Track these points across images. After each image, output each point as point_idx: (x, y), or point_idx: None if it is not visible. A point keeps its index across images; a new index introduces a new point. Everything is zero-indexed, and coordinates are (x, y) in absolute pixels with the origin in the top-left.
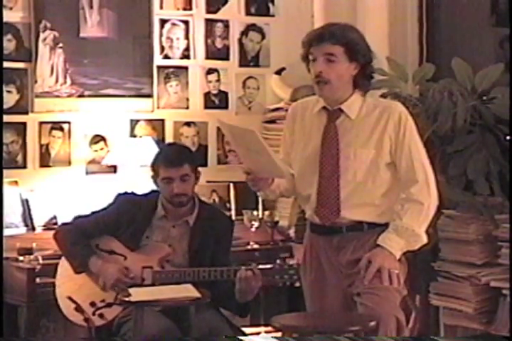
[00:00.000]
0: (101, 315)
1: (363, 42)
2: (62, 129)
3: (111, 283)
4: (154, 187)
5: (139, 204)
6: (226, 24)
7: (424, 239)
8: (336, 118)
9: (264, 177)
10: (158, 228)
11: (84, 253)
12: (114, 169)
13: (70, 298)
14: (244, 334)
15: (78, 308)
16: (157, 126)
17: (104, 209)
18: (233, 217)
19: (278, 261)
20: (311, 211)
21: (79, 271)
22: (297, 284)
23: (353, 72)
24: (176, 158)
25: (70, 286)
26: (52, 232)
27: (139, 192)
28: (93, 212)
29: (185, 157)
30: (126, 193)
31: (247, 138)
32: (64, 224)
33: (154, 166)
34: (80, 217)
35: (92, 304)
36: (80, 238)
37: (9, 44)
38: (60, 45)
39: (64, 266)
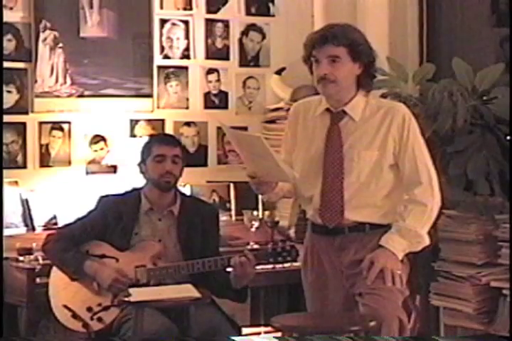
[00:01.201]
0: (99, 319)
1: (365, 42)
2: (62, 129)
3: (108, 284)
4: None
5: (122, 202)
6: (226, 24)
7: (427, 241)
8: (340, 120)
9: (269, 181)
10: (145, 223)
11: (78, 259)
12: (114, 169)
13: (65, 307)
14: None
15: (75, 315)
16: (157, 126)
17: (89, 213)
18: (233, 217)
19: (270, 245)
20: (314, 212)
21: (75, 277)
22: (296, 264)
23: (357, 72)
24: (170, 138)
25: (64, 295)
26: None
27: (121, 192)
28: (78, 219)
29: (177, 141)
30: (107, 195)
31: (252, 144)
32: (50, 234)
33: (147, 147)
34: (65, 225)
35: (89, 309)
36: (70, 245)
37: (9, 44)
38: (60, 45)
39: (56, 275)
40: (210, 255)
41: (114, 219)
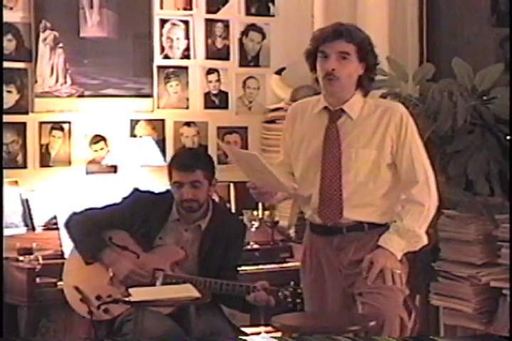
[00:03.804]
0: (106, 310)
1: (372, 44)
2: (62, 129)
3: (124, 274)
4: (157, 188)
5: (154, 202)
6: (226, 24)
7: (425, 240)
8: (338, 119)
9: (269, 191)
10: (171, 230)
11: (98, 245)
12: (114, 169)
13: (76, 288)
14: (245, 335)
15: (84, 299)
16: (157, 126)
17: (119, 203)
18: None
19: (292, 285)
20: (312, 211)
21: (90, 261)
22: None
23: (359, 72)
24: (188, 162)
25: (78, 276)
26: (52, 232)
27: (155, 191)
28: (107, 205)
29: (199, 163)
30: (143, 190)
31: (250, 160)
32: (76, 213)
33: (169, 168)
34: (93, 208)
35: (98, 297)
36: (93, 230)
37: (9, 44)
38: (60, 45)
39: (73, 254)
40: (227, 273)
41: (141, 217)
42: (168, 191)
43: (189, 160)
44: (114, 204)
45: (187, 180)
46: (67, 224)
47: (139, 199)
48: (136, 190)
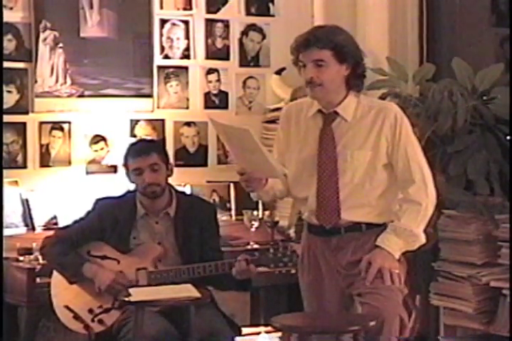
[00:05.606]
0: (100, 321)
1: (351, 43)
2: (62, 129)
3: (106, 285)
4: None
5: (119, 206)
6: (226, 24)
7: (423, 239)
8: (332, 121)
9: (258, 178)
10: (142, 227)
11: (76, 262)
12: (114, 169)
13: (67, 307)
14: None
15: (76, 316)
16: (157, 126)
17: (85, 216)
18: (233, 217)
19: (271, 250)
20: (309, 213)
21: (73, 280)
22: (293, 271)
23: (344, 73)
24: (142, 148)
25: (65, 295)
26: (52, 232)
27: (116, 195)
28: (75, 221)
29: (152, 147)
30: (104, 198)
31: (241, 137)
32: (47, 237)
33: (125, 162)
34: (62, 228)
35: (90, 311)
36: (68, 248)
37: (9, 44)
38: (60, 45)
39: (57, 275)
40: (210, 254)
41: (111, 223)
42: (128, 192)
43: (143, 146)
44: (82, 219)
45: (146, 164)
46: (42, 250)
47: (103, 207)
48: (97, 200)
